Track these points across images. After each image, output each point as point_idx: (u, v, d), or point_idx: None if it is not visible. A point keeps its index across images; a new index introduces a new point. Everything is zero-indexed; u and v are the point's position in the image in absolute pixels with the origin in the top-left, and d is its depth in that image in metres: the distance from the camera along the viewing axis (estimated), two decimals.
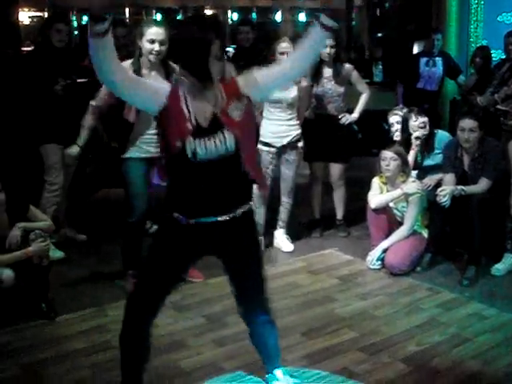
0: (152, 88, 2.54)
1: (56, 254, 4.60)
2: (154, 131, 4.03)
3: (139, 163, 4.10)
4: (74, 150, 4.25)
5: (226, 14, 17.62)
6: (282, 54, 4.73)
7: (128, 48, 4.82)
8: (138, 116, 3.93)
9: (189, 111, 2.46)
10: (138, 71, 3.90)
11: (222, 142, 2.45)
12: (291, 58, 2.82)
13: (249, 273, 2.75)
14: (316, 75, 5.19)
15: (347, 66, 5.32)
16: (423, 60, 6.73)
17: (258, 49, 6.09)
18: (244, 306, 2.84)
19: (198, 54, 2.40)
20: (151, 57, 3.93)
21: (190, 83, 2.47)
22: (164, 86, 2.62)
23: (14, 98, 5.40)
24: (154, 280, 2.64)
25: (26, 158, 5.37)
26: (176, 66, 4.00)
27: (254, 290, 2.79)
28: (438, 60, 6.73)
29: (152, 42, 3.90)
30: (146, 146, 4.05)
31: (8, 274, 3.73)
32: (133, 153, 4.08)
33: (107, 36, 2.23)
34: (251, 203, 2.65)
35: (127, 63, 3.91)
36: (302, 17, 13.74)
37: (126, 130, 4.03)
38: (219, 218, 2.53)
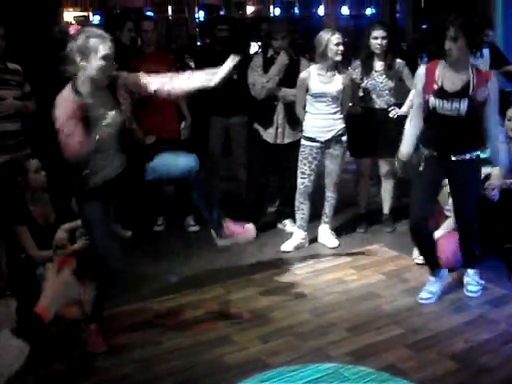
0: None
1: None
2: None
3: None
4: None
5: (269, 9, 17.65)
6: (338, 44, 4.70)
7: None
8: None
9: None
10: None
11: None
12: None
13: None
14: (367, 68, 5.13)
15: (399, 60, 5.19)
16: None
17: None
18: None
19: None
20: (104, 77, 3.20)
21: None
22: None
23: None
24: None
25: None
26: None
27: None
28: (485, 51, 6.58)
29: (107, 58, 3.13)
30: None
31: None
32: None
33: None
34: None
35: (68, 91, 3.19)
36: (344, 10, 13.67)
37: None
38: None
